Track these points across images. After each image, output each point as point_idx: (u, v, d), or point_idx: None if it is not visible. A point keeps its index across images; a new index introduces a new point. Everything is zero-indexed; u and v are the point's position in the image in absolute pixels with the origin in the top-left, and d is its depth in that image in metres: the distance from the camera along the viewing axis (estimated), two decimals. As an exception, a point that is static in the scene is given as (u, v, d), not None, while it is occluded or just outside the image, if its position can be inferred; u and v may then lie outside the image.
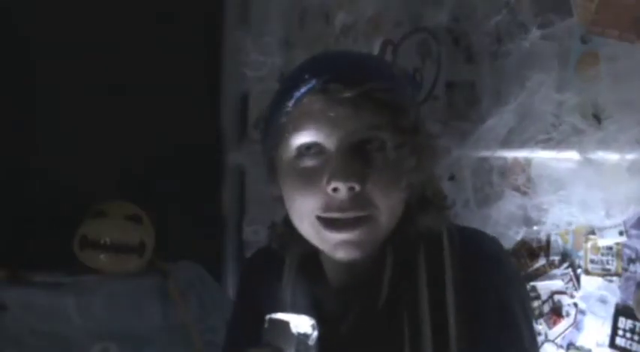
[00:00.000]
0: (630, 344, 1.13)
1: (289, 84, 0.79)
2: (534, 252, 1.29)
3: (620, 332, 1.15)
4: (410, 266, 0.79)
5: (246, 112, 2.04)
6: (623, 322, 1.14)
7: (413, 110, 0.77)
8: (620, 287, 1.16)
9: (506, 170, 1.32)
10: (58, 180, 1.71)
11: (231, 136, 2.05)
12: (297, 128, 0.76)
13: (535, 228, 1.27)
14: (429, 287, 0.77)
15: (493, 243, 0.85)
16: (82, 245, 1.60)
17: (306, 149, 0.76)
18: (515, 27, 1.31)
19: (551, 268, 1.27)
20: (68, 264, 1.60)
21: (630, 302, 1.14)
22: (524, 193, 1.28)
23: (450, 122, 1.44)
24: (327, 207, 0.75)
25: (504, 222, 1.32)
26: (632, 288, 1.13)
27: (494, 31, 1.34)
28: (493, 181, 1.34)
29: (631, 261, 1.14)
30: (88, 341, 1.49)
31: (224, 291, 1.92)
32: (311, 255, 0.85)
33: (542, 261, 1.28)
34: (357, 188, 0.73)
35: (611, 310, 1.16)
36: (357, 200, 0.74)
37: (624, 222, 1.15)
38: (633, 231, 1.14)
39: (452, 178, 1.42)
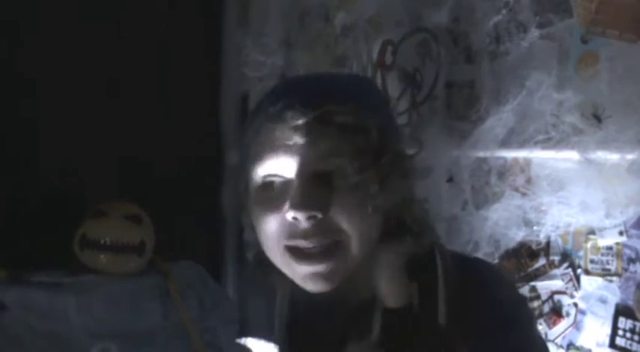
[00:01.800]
0: (630, 344, 1.13)
1: (255, 112, 0.78)
2: (534, 252, 1.29)
3: (620, 332, 1.15)
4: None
5: (246, 112, 2.04)
6: (623, 322, 1.14)
7: (378, 131, 0.73)
8: (620, 287, 1.16)
9: (506, 170, 1.32)
10: (58, 180, 1.71)
11: (231, 136, 2.05)
12: (258, 158, 0.75)
13: (535, 228, 1.27)
14: (424, 314, 0.75)
15: (492, 269, 0.84)
16: (82, 245, 1.59)
17: (270, 178, 0.74)
18: (515, 27, 1.31)
19: (551, 268, 1.27)
20: (68, 264, 1.60)
21: (630, 302, 1.14)
22: (524, 194, 1.28)
23: (449, 122, 1.44)
24: (291, 235, 0.73)
25: (504, 223, 1.32)
26: (632, 288, 1.14)
27: (494, 31, 1.35)
28: (492, 182, 1.34)
29: (631, 260, 1.14)
30: (88, 341, 1.49)
31: (224, 291, 1.92)
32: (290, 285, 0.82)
33: (542, 261, 1.28)
34: (319, 216, 0.71)
35: (611, 310, 1.16)
36: (321, 227, 0.72)
37: (624, 222, 1.15)
38: (633, 231, 1.14)
39: (450, 180, 1.42)
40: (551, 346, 1.26)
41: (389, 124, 0.78)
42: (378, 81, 1.63)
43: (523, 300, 0.84)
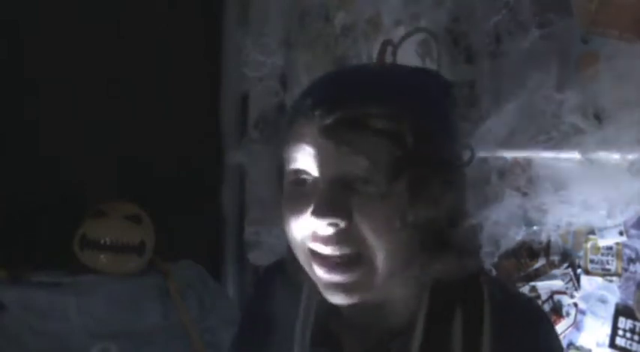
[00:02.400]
0: (630, 344, 1.13)
1: (292, 106, 0.74)
2: (534, 252, 1.29)
3: (620, 332, 1.15)
4: (443, 328, 0.71)
5: (246, 112, 2.04)
6: (623, 322, 1.14)
7: (415, 137, 0.66)
8: (620, 287, 1.16)
9: (506, 170, 1.32)
10: (57, 180, 1.71)
11: (231, 136, 2.05)
12: (290, 152, 0.71)
13: (535, 228, 1.27)
14: (464, 345, 0.69)
15: (539, 312, 0.77)
16: (82, 245, 1.59)
17: (299, 175, 0.70)
18: (515, 27, 1.31)
19: (551, 268, 1.27)
20: (68, 263, 1.60)
21: (630, 302, 1.14)
22: (525, 193, 1.28)
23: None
24: (314, 238, 0.69)
25: (504, 223, 1.32)
26: (632, 288, 1.14)
27: (494, 31, 1.35)
28: (493, 181, 1.34)
29: (631, 260, 1.14)
30: (88, 341, 1.49)
31: (224, 291, 1.92)
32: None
33: (542, 261, 1.28)
34: (341, 224, 0.66)
35: (611, 310, 1.16)
36: (343, 236, 0.67)
37: (624, 222, 1.15)
38: (633, 231, 1.14)
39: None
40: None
41: (436, 129, 0.70)
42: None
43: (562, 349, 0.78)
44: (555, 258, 1.26)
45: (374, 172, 0.65)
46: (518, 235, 1.30)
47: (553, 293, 1.27)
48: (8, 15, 1.65)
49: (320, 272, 0.69)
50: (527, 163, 1.29)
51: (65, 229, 1.60)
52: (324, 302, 0.73)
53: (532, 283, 1.29)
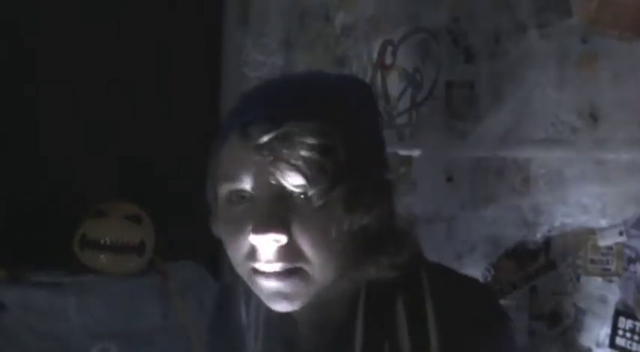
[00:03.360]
0: (630, 344, 1.13)
1: (225, 120, 0.74)
2: (534, 252, 1.29)
3: (620, 332, 1.15)
4: (386, 315, 0.73)
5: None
6: (623, 322, 1.14)
7: (347, 150, 0.68)
8: (620, 287, 1.16)
9: (505, 170, 1.32)
10: (57, 180, 1.71)
11: (231, 136, 2.04)
12: (224, 173, 0.71)
13: (533, 228, 1.27)
14: (410, 338, 0.71)
15: (481, 290, 0.80)
16: (82, 245, 1.59)
17: (234, 195, 0.70)
18: (515, 27, 1.31)
19: (551, 268, 1.27)
20: (68, 263, 1.60)
21: (630, 302, 1.14)
22: (522, 193, 1.28)
23: (448, 122, 1.44)
24: (254, 258, 0.69)
25: (502, 223, 1.32)
26: (632, 288, 1.14)
27: (494, 31, 1.35)
28: (491, 181, 1.34)
29: (631, 260, 1.14)
30: (88, 341, 1.49)
31: (224, 291, 1.92)
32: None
33: (542, 261, 1.28)
34: (282, 240, 0.67)
35: (611, 310, 1.16)
36: (284, 251, 0.68)
37: (624, 222, 1.15)
38: (633, 231, 1.14)
39: (450, 179, 1.42)
40: (551, 346, 1.26)
41: (365, 137, 0.73)
42: (378, 81, 1.63)
43: (510, 321, 0.78)
44: (555, 258, 1.26)
45: (309, 186, 0.67)
46: (516, 235, 1.30)
47: (553, 293, 1.27)
48: (8, 15, 1.65)
49: (262, 284, 0.71)
50: (526, 163, 1.29)
51: (65, 229, 1.60)
52: (273, 312, 0.76)
53: (532, 283, 1.29)
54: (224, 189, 0.71)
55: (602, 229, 1.18)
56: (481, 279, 1.35)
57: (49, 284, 1.53)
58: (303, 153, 0.66)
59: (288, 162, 0.66)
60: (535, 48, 1.27)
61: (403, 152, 1.54)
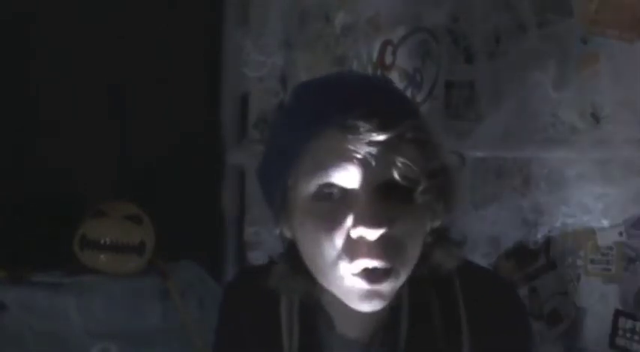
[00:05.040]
0: (630, 344, 1.13)
1: (305, 112, 0.71)
2: (534, 252, 1.29)
3: (620, 332, 1.15)
4: (424, 315, 0.75)
5: (246, 112, 2.04)
6: (623, 322, 1.14)
7: (442, 148, 0.71)
8: (620, 287, 1.16)
9: (505, 170, 1.32)
10: (57, 179, 1.71)
11: (231, 136, 2.05)
12: (317, 166, 0.68)
13: (534, 228, 1.27)
14: (445, 334, 0.74)
15: (506, 288, 0.83)
16: (82, 245, 1.59)
17: (328, 189, 0.68)
18: (515, 27, 1.31)
19: (551, 268, 1.27)
20: (68, 263, 1.60)
21: (630, 302, 1.14)
22: (523, 193, 1.28)
23: (448, 122, 1.44)
24: (353, 254, 0.68)
25: (502, 223, 1.32)
26: (632, 288, 1.14)
27: (494, 31, 1.35)
28: (491, 181, 1.34)
29: (631, 260, 1.14)
30: (88, 341, 1.49)
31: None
32: (312, 298, 0.79)
33: (542, 261, 1.28)
34: (388, 232, 0.67)
35: (611, 310, 1.16)
36: (386, 247, 0.67)
37: (624, 222, 1.15)
38: (633, 231, 1.14)
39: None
40: (551, 346, 1.26)
41: (436, 134, 0.74)
42: (378, 81, 1.63)
43: (529, 321, 0.85)
44: (555, 258, 1.26)
45: (418, 181, 0.68)
46: (516, 235, 1.30)
47: (553, 293, 1.27)
48: (9, 15, 1.65)
49: (362, 284, 0.69)
50: (526, 163, 1.29)
51: (65, 229, 1.60)
52: (308, 311, 0.77)
53: (532, 283, 1.29)
54: (315, 183, 0.69)
55: (603, 229, 1.18)
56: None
57: (49, 284, 1.53)
58: (414, 150, 0.68)
59: (403, 159, 0.67)
60: (535, 48, 1.27)
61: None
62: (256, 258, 1.91)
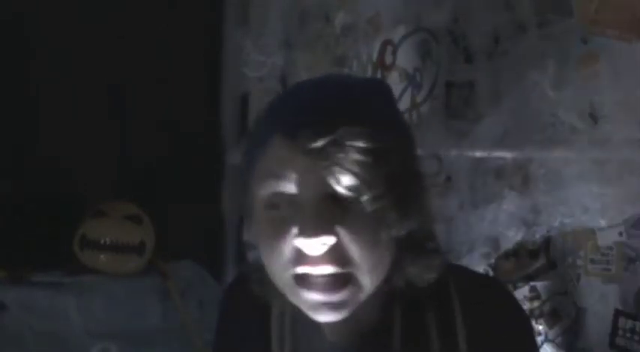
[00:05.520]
0: (630, 344, 1.13)
1: (261, 123, 0.73)
2: (534, 252, 1.29)
3: (620, 332, 1.15)
4: (418, 320, 0.74)
5: (246, 112, 2.04)
6: (623, 322, 1.14)
7: (398, 155, 0.68)
8: (620, 287, 1.16)
9: (504, 170, 1.32)
10: (57, 179, 1.71)
11: (231, 136, 2.05)
12: (266, 175, 0.68)
13: (533, 228, 1.27)
14: (441, 340, 0.72)
15: (503, 292, 0.81)
16: (82, 245, 1.60)
17: (276, 198, 0.68)
18: (514, 27, 1.31)
19: (551, 268, 1.27)
20: (68, 264, 1.60)
21: (630, 302, 1.14)
22: (522, 193, 1.28)
23: (448, 122, 1.44)
24: (299, 262, 0.67)
25: (502, 223, 1.32)
26: (632, 288, 1.13)
27: (493, 31, 1.35)
28: (490, 181, 1.34)
29: (631, 260, 1.14)
30: (88, 341, 1.49)
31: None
32: (291, 305, 0.76)
33: (542, 261, 1.28)
34: (331, 242, 0.66)
35: (611, 310, 1.16)
36: (332, 255, 0.66)
37: (624, 222, 1.15)
38: (633, 231, 1.14)
39: (448, 179, 1.42)
40: (551, 346, 1.26)
41: (406, 141, 0.72)
42: (378, 81, 1.63)
43: (531, 324, 0.82)
44: (555, 258, 1.26)
45: (363, 191, 0.66)
46: (515, 235, 1.30)
47: (553, 293, 1.26)
48: (9, 15, 1.65)
49: (309, 295, 0.69)
50: (525, 163, 1.29)
51: (65, 229, 1.60)
52: (299, 319, 0.75)
53: (532, 283, 1.29)
54: (266, 191, 0.69)
55: (602, 229, 1.17)
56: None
57: (49, 284, 1.53)
58: (358, 157, 0.65)
59: (343, 167, 0.65)
60: (535, 48, 1.27)
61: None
62: (256, 257, 1.91)
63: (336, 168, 0.65)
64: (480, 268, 1.35)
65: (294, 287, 0.69)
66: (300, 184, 0.66)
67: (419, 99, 1.52)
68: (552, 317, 1.26)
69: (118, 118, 1.77)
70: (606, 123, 1.15)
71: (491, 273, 1.35)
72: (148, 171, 1.83)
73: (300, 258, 0.67)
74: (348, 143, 0.65)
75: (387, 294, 0.74)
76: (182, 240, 1.79)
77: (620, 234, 1.16)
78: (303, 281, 0.68)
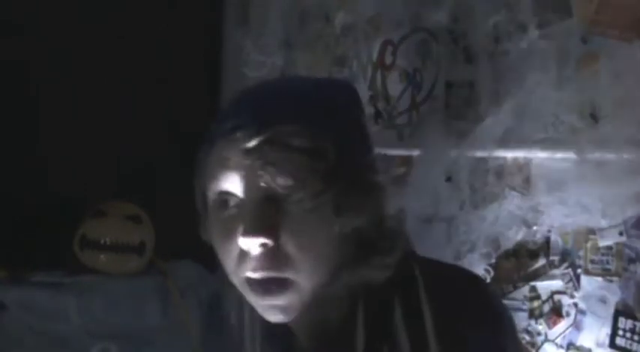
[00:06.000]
0: (630, 344, 1.13)
1: (213, 126, 0.74)
2: (534, 252, 1.29)
3: (620, 332, 1.15)
4: (384, 316, 0.72)
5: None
6: (623, 322, 1.14)
7: (335, 151, 0.68)
8: (620, 287, 1.16)
9: (504, 170, 1.32)
10: (58, 179, 1.71)
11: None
12: (212, 176, 0.70)
13: (534, 228, 1.27)
14: (409, 337, 0.71)
15: (474, 282, 0.78)
16: (82, 245, 1.60)
17: (225, 197, 0.69)
18: (515, 27, 1.31)
19: (551, 268, 1.27)
20: (68, 263, 1.60)
21: (630, 302, 1.14)
22: (522, 193, 1.28)
23: (448, 122, 1.44)
24: (243, 265, 0.69)
25: (502, 223, 1.32)
26: (632, 288, 1.13)
27: (493, 31, 1.35)
28: (491, 181, 1.34)
29: (631, 260, 1.14)
30: (88, 341, 1.49)
31: (224, 291, 1.92)
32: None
33: (542, 261, 1.28)
34: (270, 243, 0.66)
35: (611, 310, 1.16)
36: (273, 258, 0.67)
37: (624, 222, 1.15)
38: (633, 231, 1.14)
39: (449, 179, 1.42)
40: (551, 346, 1.26)
41: (353, 141, 0.72)
42: (378, 81, 1.63)
43: (508, 313, 0.79)
44: (555, 258, 1.26)
45: (299, 189, 0.66)
46: (516, 235, 1.30)
47: (553, 293, 1.27)
48: (9, 15, 1.65)
49: (255, 298, 0.70)
50: (525, 163, 1.29)
51: (65, 229, 1.60)
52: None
53: (532, 283, 1.29)
54: (213, 192, 0.70)
55: (602, 229, 1.17)
56: (481, 279, 1.35)
57: (49, 284, 1.53)
58: (292, 155, 0.66)
59: (277, 166, 0.66)
60: (535, 48, 1.27)
61: (403, 152, 1.54)
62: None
63: (272, 168, 0.66)
64: (480, 268, 1.35)
65: (245, 289, 0.70)
66: (242, 184, 0.68)
67: (419, 99, 1.52)
68: (552, 317, 1.26)
69: (118, 118, 1.77)
70: (606, 123, 1.15)
71: (491, 273, 1.35)
72: (148, 171, 1.83)
73: (245, 260, 0.68)
74: (283, 142, 0.66)
75: (350, 292, 0.73)
76: (182, 239, 1.79)
77: (620, 233, 1.15)
78: (249, 283, 0.69)
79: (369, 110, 1.63)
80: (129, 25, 1.78)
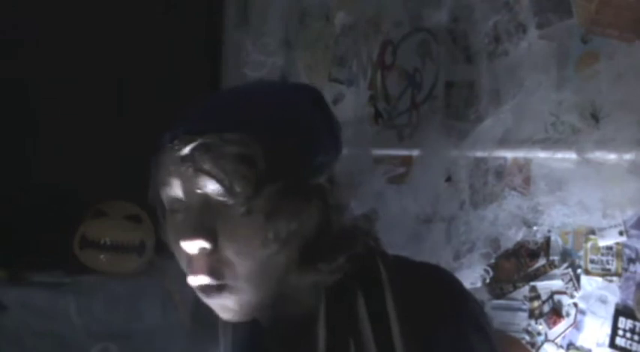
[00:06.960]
0: (630, 344, 1.13)
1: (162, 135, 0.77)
2: (534, 252, 1.29)
3: (620, 332, 1.15)
4: (347, 308, 0.73)
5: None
6: (623, 322, 1.14)
7: (269, 158, 0.69)
8: (620, 287, 1.15)
9: (504, 170, 1.32)
10: (58, 179, 1.71)
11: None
12: (160, 182, 0.73)
13: (534, 228, 1.27)
14: (374, 335, 0.71)
15: (442, 279, 0.79)
16: (82, 245, 1.60)
17: (174, 203, 0.73)
18: (515, 27, 1.31)
19: (551, 268, 1.27)
20: (68, 263, 1.60)
21: (630, 302, 1.14)
22: (522, 194, 1.28)
23: (448, 122, 1.44)
24: (189, 268, 0.72)
25: (502, 223, 1.32)
26: (632, 288, 1.13)
27: (494, 31, 1.35)
28: (490, 181, 1.34)
29: (631, 260, 1.14)
30: (88, 341, 1.49)
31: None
32: None
33: (542, 261, 1.28)
34: (207, 246, 0.69)
35: (611, 310, 1.16)
36: (210, 263, 0.69)
37: (624, 222, 1.15)
38: (633, 231, 1.14)
39: (449, 179, 1.42)
40: (551, 346, 1.26)
41: (295, 145, 0.72)
42: (378, 81, 1.63)
43: (477, 310, 0.79)
44: (555, 258, 1.26)
45: (229, 195, 0.68)
46: (516, 235, 1.30)
47: (553, 293, 1.26)
48: (8, 14, 1.65)
49: (202, 298, 0.73)
50: (525, 163, 1.29)
51: (65, 229, 1.60)
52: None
53: (532, 283, 1.29)
54: (165, 198, 0.74)
55: (602, 229, 1.17)
56: (480, 280, 1.35)
57: (49, 284, 1.53)
58: (221, 162, 0.68)
59: (207, 172, 0.68)
60: (535, 48, 1.27)
61: (403, 152, 1.54)
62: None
63: (201, 174, 0.69)
64: (480, 268, 1.35)
65: (195, 290, 0.73)
66: (183, 190, 0.71)
67: (419, 99, 1.52)
68: (552, 317, 1.26)
69: (118, 118, 1.77)
70: (607, 124, 1.14)
71: (491, 273, 1.35)
72: (148, 170, 1.83)
73: (189, 264, 0.71)
74: (213, 149, 0.68)
75: (313, 289, 0.74)
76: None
77: (621, 233, 1.15)
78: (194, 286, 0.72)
79: (369, 110, 1.63)
80: (129, 25, 1.79)
